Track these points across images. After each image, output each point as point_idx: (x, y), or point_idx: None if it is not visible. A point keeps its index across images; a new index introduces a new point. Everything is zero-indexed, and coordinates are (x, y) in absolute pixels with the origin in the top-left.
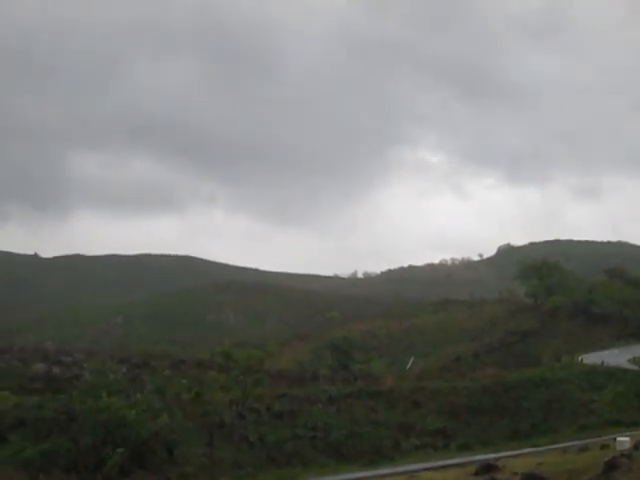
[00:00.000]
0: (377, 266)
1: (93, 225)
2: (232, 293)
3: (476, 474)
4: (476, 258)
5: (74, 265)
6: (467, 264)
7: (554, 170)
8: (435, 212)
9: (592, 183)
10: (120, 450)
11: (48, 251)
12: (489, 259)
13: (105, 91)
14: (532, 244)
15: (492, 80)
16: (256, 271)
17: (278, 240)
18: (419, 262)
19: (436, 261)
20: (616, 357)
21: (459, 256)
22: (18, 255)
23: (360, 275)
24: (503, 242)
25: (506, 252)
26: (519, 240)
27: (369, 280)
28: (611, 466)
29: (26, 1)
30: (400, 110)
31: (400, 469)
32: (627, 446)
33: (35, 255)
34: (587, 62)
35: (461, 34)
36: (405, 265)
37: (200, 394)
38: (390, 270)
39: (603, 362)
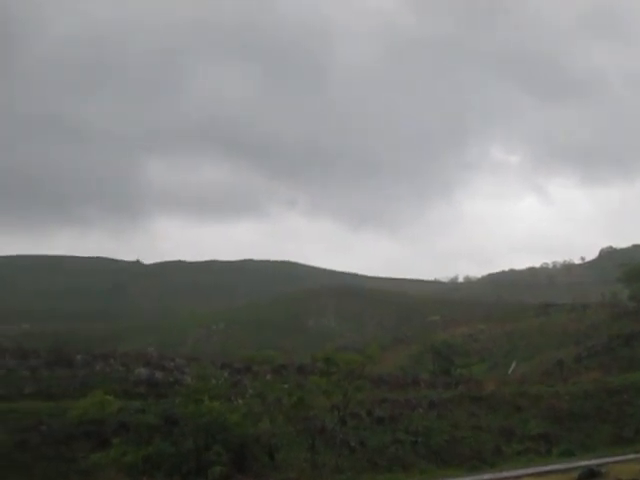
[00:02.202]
0: (465, 269)
1: (173, 230)
2: (332, 298)
3: None
4: (578, 261)
5: (175, 271)
6: (569, 267)
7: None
8: (517, 213)
9: None
10: (222, 454)
11: (127, 255)
12: (591, 262)
13: (175, 95)
14: (635, 246)
15: (560, 76)
16: (355, 275)
17: (359, 243)
18: (507, 266)
19: (537, 264)
20: None
21: (560, 259)
22: (120, 262)
23: (461, 279)
24: (604, 244)
25: (608, 255)
26: (621, 242)
27: (470, 284)
28: None
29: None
30: (468, 109)
31: (502, 475)
32: None
33: (137, 261)
34: None
35: (518, 29)
36: (506, 269)
37: (302, 399)
38: (491, 274)
39: None
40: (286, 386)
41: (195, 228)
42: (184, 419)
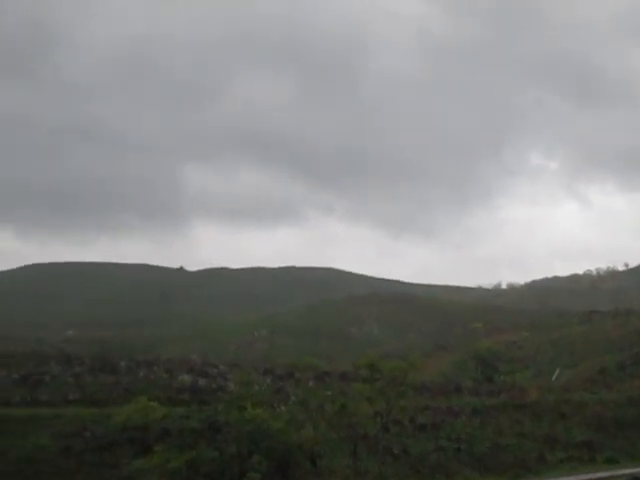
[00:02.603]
0: (506, 276)
1: (212, 237)
2: (375, 305)
3: None
4: (621, 267)
5: (219, 278)
6: (612, 274)
7: None
8: (557, 219)
9: None
10: (263, 461)
11: (166, 261)
12: (634, 268)
13: (212, 102)
14: None
15: (597, 79)
16: (397, 282)
17: (398, 250)
18: (548, 272)
19: (579, 271)
20: None
21: (603, 266)
22: (164, 269)
23: (504, 286)
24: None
25: None
26: None
27: (512, 291)
28: None
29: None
30: (505, 114)
31: None
32: None
33: (181, 269)
34: None
35: (553, 32)
36: (549, 276)
37: (345, 406)
38: (534, 281)
39: None
40: (329, 393)
41: (233, 235)
42: (227, 425)
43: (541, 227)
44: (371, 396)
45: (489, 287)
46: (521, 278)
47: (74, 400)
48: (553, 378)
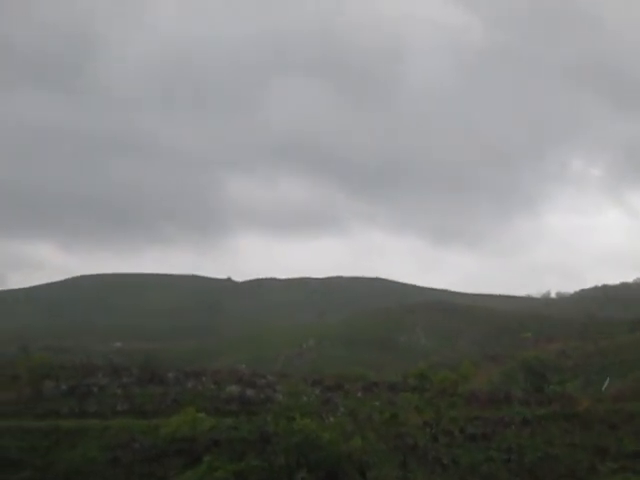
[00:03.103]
0: (551, 284)
1: (256, 247)
2: (423, 314)
3: None
4: None
5: (267, 288)
6: None
7: None
8: (602, 226)
9: None
10: (313, 472)
11: (210, 272)
12: None
13: (253, 112)
14: None
15: (637, 83)
16: (444, 291)
17: (442, 259)
18: (596, 280)
19: (629, 279)
20: None
21: None
22: (212, 279)
23: (553, 295)
24: None
25: None
26: None
27: (561, 300)
28: None
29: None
30: (546, 121)
31: None
32: None
33: (229, 279)
34: None
35: (591, 37)
36: (598, 284)
37: (396, 416)
38: (583, 289)
39: None
40: (377, 403)
41: (277, 245)
42: (276, 436)
43: (587, 235)
44: (420, 406)
45: (538, 296)
46: (570, 287)
47: (122, 411)
48: (603, 388)
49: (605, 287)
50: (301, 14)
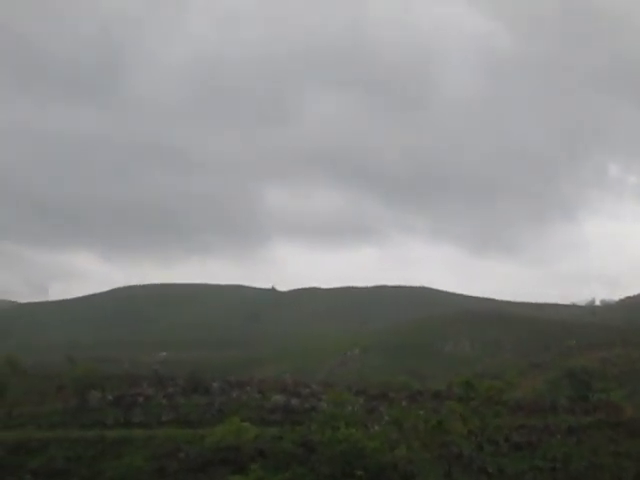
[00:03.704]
0: (592, 292)
1: (293, 256)
2: (467, 322)
3: None
4: None
5: (310, 298)
6: None
7: None
8: None
9: None
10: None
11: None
12: None
13: (286, 124)
14: None
15: None
16: (488, 300)
17: (482, 267)
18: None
19: None
20: None
21: None
22: (255, 289)
23: (597, 302)
24: None
25: None
26: None
27: (606, 307)
28: None
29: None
30: (581, 127)
31: None
32: None
33: (272, 289)
34: None
35: (620, 42)
36: None
37: (441, 424)
38: (628, 297)
39: None
40: (422, 412)
41: (316, 254)
42: (320, 445)
43: (628, 242)
44: (465, 415)
45: (582, 304)
46: (614, 294)
47: (167, 421)
48: None
49: None
50: (333, 25)
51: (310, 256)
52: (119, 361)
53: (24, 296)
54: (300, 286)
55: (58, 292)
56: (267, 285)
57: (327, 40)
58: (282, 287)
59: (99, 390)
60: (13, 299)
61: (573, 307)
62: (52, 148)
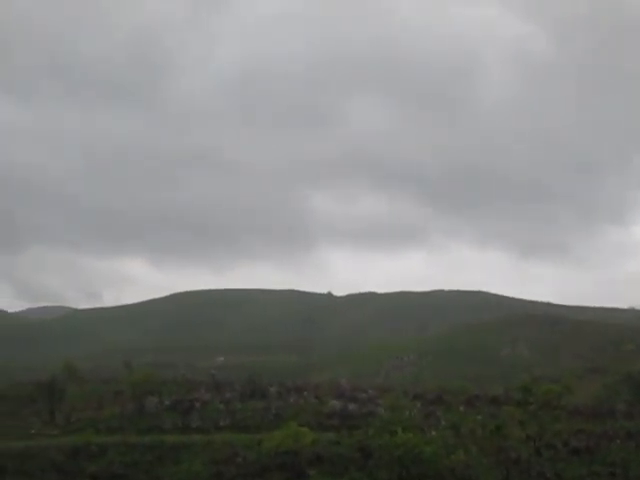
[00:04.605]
0: None
1: (342, 260)
2: (525, 327)
3: None
4: None
5: (366, 302)
6: None
7: None
8: None
9: None
10: None
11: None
12: None
13: (330, 130)
14: None
15: None
16: (545, 304)
17: (531, 271)
18: None
19: None
20: None
21: None
22: (312, 294)
23: None
24: None
25: None
26: None
27: None
28: None
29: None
30: (627, 130)
31: None
32: None
33: (329, 294)
34: None
35: None
36: None
37: (499, 429)
38: None
39: None
40: (479, 417)
41: (366, 258)
42: (378, 450)
43: None
44: (523, 420)
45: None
46: None
47: (225, 426)
48: None
49: None
50: (370, 32)
51: (359, 260)
52: (176, 366)
53: (80, 302)
54: (353, 291)
55: (111, 298)
56: (319, 289)
57: (367, 47)
58: (336, 292)
59: (156, 395)
60: (69, 305)
61: (631, 311)
62: (95, 157)
